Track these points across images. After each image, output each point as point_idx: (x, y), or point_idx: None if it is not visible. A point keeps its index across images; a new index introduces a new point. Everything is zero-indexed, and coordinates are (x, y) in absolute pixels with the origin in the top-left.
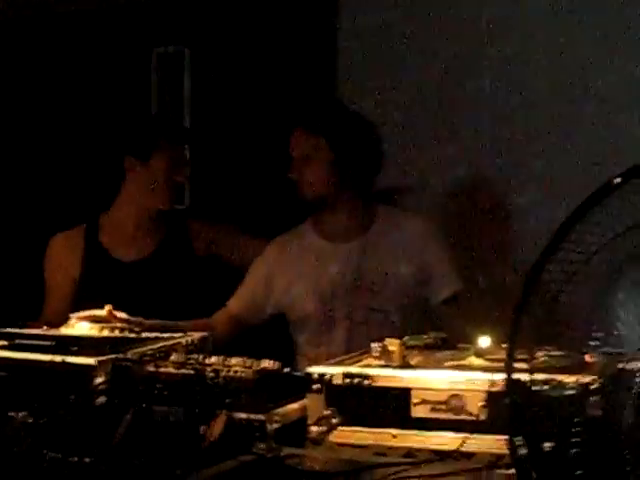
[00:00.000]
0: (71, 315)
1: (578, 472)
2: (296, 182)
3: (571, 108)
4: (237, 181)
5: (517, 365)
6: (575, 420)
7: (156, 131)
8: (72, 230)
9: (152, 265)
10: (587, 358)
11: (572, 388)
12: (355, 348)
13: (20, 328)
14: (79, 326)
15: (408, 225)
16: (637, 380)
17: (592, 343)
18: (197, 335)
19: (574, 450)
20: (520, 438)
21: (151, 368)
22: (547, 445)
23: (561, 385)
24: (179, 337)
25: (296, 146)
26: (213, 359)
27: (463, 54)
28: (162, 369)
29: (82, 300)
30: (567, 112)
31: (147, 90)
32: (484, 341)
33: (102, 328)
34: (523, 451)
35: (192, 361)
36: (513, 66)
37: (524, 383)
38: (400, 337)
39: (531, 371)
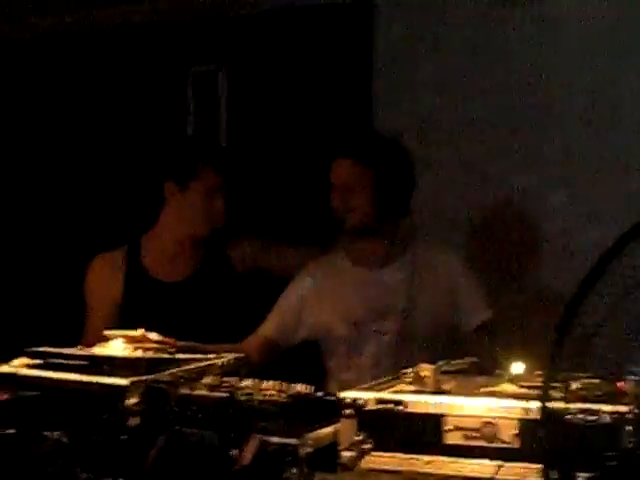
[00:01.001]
0: (105, 332)
1: None
2: (337, 209)
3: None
4: (272, 199)
5: (552, 394)
6: (611, 450)
7: (194, 159)
8: (113, 251)
9: (193, 286)
10: (621, 386)
11: (607, 417)
12: (383, 373)
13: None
14: (113, 346)
15: (439, 256)
16: None
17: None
18: (232, 356)
19: None
20: (554, 470)
21: (185, 390)
22: (582, 476)
23: (596, 414)
24: (214, 358)
25: (342, 175)
26: (247, 382)
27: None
28: (196, 391)
29: (124, 321)
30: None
31: (184, 109)
32: (518, 367)
33: (135, 348)
34: None
35: (226, 384)
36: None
37: (559, 412)
38: (431, 363)
39: (566, 400)
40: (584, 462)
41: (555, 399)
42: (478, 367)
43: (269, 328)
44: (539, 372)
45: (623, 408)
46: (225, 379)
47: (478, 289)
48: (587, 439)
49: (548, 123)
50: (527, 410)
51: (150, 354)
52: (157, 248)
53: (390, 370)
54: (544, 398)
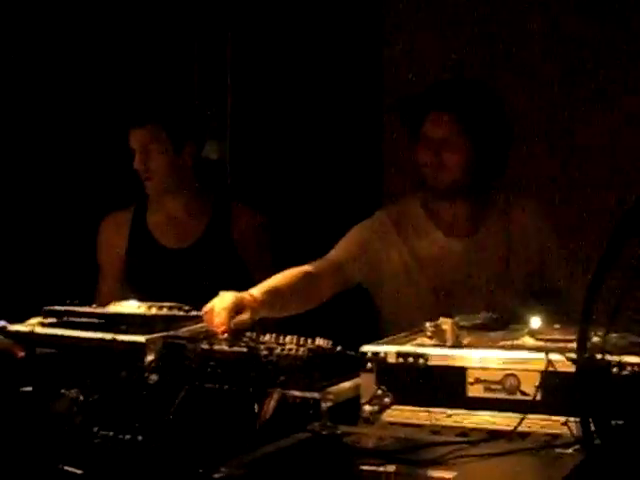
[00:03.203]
0: None
1: None
2: (426, 165)
3: None
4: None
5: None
6: None
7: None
8: (122, 210)
9: (193, 255)
10: None
11: None
12: None
13: (69, 306)
14: (127, 304)
15: (523, 214)
16: None
17: None
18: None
19: None
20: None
21: (204, 346)
22: (617, 424)
23: (632, 366)
24: None
25: (437, 128)
26: (267, 337)
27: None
28: (215, 347)
29: (127, 281)
30: None
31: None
32: (535, 321)
33: (150, 306)
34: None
35: (245, 339)
36: None
37: (596, 363)
38: None
39: (603, 351)
40: (620, 413)
41: (591, 350)
42: (494, 322)
43: (340, 253)
44: (557, 326)
45: None
46: (245, 334)
47: (564, 255)
48: (623, 390)
49: None
50: (549, 362)
51: (165, 312)
52: (161, 210)
53: None
54: (581, 349)
